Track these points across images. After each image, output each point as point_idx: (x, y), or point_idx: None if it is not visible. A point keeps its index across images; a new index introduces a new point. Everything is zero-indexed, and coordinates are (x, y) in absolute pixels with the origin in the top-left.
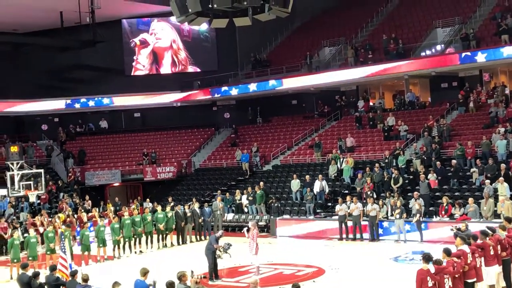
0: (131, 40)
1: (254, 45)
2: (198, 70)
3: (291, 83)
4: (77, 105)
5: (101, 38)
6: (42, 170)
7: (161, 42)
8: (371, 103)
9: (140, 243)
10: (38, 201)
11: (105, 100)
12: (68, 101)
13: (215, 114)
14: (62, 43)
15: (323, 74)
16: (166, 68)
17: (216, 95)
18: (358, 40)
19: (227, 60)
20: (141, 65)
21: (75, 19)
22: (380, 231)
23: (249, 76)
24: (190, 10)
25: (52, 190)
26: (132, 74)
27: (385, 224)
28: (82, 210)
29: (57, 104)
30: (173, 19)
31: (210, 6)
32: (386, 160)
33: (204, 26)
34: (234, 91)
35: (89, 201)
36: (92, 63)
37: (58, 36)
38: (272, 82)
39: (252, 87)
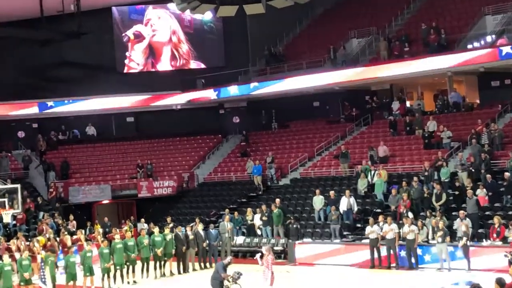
0: (123, 34)
1: (268, 37)
2: (202, 66)
3: (312, 81)
4: (60, 108)
5: (88, 30)
6: (18, 185)
7: (159, 34)
8: (408, 105)
9: (134, 271)
10: (14, 222)
11: (93, 102)
12: (49, 104)
13: (223, 118)
14: (41, 35)
15: (350, 71)
16: (164, 64)
17: (223, 96)
18: (392, 30)
19: (236, 54)
20: (135, 62)
21: (57, 7)
22: (419, 257)
23: (263, 73)
24: None
25: (30, 208)
26: (124, 71)
27: (425, 249)
28: (66, 233)
29: (36, 108)
30: (172, 6)
31: None
32: (426, 173)
33: (208, 15)
34: (244, 91)
35: (74, 222)
36: (77, 58)
37: (37, 27)
38: (289, 80)
39: (266, 85)
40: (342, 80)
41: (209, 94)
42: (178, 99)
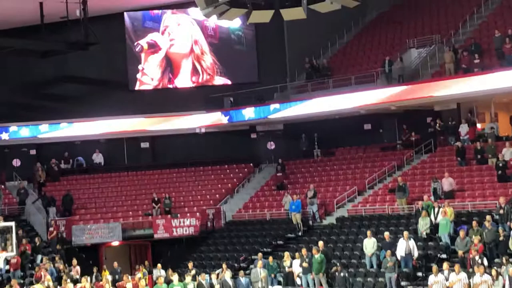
0: (136, 43)
1: (310, 47)
2: (229, 82)
3: (362, 99)
4: (62, 132)
5: (96, 39)
6: (12, 223)
7: (178, 44)
8: (478, 128)
9: None
10: (7, 267)
11: (101, 125)
12: (49, 126)
13: (255, 144)
14: (41, 45)
15: (408, 87)
16: (184, 80)
17: (255, 117)
18: (459, 39)
19: (271, 68)
20: (149, 77)
21: (60, 12)
22: None
23: (303, 90)
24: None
25: (26, 251)
26: (136, 88)
27: None
28: (68, 280)
29: (34, 131)
30: (193, 11)
31: None
32: (502, 211)
33: (237, 22)
34: (281, 112)
35: (78, 267)
36: (82, 73)
37: (37, 36)
38: (335, 98)
39: (307, 105)
40: (399, 98)
41: (217, 117)
42: (201, 121)
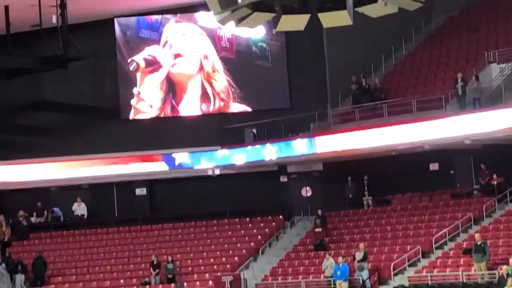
0: (129, 60)
1: (357, 62)
2: (249, 109)
3: (426, 130)
4: (32, 174)
5: (78, 54)
6: None
7: (184, 61)
8: None
9: None
10: None
11: (84, 165)
12: (16, 168)
13: (285, 190)
14: (7, 62)
15: (488, 114)
16: (190, 106)
17: (286, 156)
18: None
19: (306, 90)
20: (146, 103)
21: (32, 19)
22: None
23: (348, 119)
24: (239, 1)
25: None
26: (130, 117)
27: None
28: None
29: None
30: (201, 16)
31: None
32: None
33: (259, 31)
34: (319, 147)
35: None
36: (61, 98)
37: (1, 50)
38: (390, 129)
39: (353, 138)
40: (476, 129)
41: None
42: (214, 160)
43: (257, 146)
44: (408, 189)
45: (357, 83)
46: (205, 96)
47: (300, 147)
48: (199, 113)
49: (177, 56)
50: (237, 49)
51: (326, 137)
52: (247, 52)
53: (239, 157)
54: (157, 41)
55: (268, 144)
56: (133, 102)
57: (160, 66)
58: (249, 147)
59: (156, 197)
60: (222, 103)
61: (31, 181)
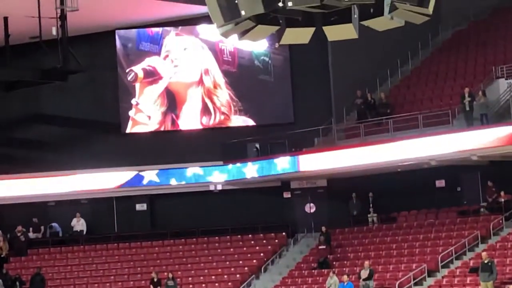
0: (127, 70)
1: (363, 76)
2: (252, 123)
3: (432, 146)
4: (30, 189)
5: (78, 67)
6: None
7: (184, 74)
8: None
9: None
10: None
11: (82, 180)
12: (13, 183)
13: (289, 206)
14: (6, 75)
15: (496, 131)
16: (191, 120)
17: (289, 173)
18: None
19: (310, 105)
20: (145, 115)
21: (31, 31)
22: None
23: (353, 134)
24: (243, 13)
25: None
26: (128, 131)
27: None
28: None
29: None
30: (203, 30)
31: (280, 4)
32: None
33: (262, 45)
34: (323, 163)
35: None
36: (60, 111)
37: (0, 62)
38: (396, 145)
39: (358, 153)
40: (483, 145)
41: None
42: (216, 175)
43: (238, 164)
44: (414, 206)
45: (362, 98)
46: (205, 110)
47: (305, 164)
48: (199, 126)
49: (177, 67)
50: (239, 63)
51: (330, 152)
52: (250, 66)
53: (217, 176)
54: (157, 52)
55: (249, 163)
56: (131, 113)
57: (160, 78)
58: (230, 165)
59: (157, 212)
60: (223, 117)
61: (28, 195)
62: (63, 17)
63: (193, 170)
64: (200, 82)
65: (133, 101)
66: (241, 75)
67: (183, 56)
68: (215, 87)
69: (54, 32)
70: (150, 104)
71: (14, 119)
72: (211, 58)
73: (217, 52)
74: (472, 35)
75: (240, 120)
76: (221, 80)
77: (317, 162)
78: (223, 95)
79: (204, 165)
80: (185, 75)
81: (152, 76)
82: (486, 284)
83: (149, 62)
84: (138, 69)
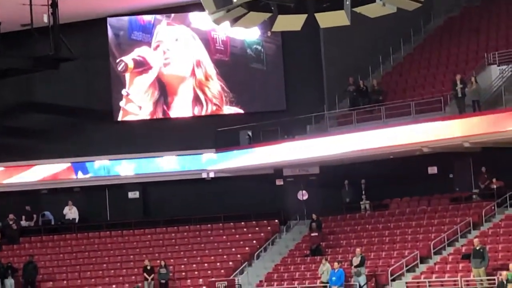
0: (118, 60)
1: (355, 63)
2: (241, 111)
3: (425, 133)
4: (22, 177)
5: (70, 54)
6: None
7: (175, 65)
8: None
9: None
10: None
11: (75, 168)
12: (5, 170)
13: (281, 194)
14: None
15: (488, 118)
16: (182, 109)
17: (281, 159)
18: None
19: (302, 92)
20: (135, 104)
21: (22, 19)
22: None
23: (345, 121)
24: (234, 0)
25: None
26: (120, 119)
27: None
28: None
29: None
30: (194, 18)
31: None
32: None
33: (254, 33)
34: (315, 151)
35: None
36: (52, 99)
37: None
38: (388, 131)
39: (351, 140)
40: (476, 132)
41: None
42: (208, 164)
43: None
44: (406, 193)
45: (354, 85)
46: (197, 101)
47: (297, 151)
48: (190, 115)
49: (168, 60)
50: (231, 52)
51: (322, 139)
52: (242, 54)
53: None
54: (148, 42)
55: (263, 147)
56: (121, 103)
57: (150, 68)
58: (248, 150)
59: (149, 200)
60: (214, 107)
61: (20, 183)
62: (54, 4)
63: (185, 158)
64: (192, 74)
65: (124, 92)
66: (233, 64)
67: (175, 47)
68: (206, 78)
69: (45, 19)
70: (140, 94)
71: (6, 107)
72: (202, 49)
73: (209, 41)
74: (464, 21)
75: (231, 111)
76: (212, 71)
77: (309, 149)
78: (215, 86)
79: (196, 153)
80: (177, 68)
81: (142, 66)
82: (478, 270)
83: (139, 52)
84: (128, 59)
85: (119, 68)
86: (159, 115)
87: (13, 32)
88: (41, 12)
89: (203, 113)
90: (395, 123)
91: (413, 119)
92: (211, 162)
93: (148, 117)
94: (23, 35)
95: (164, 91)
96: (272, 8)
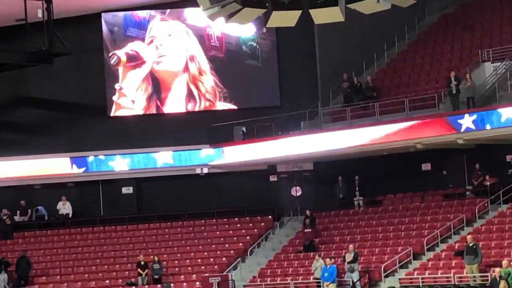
0: (110, 54)
1: (349, 60)
2: (235, 107)
3: (419, 129)
4: (15, 171)
5: (64, 49)
6: None
7: (169, 60)
8: None
9: None
10: None
11: (68, 163)
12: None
13: (275, 190)
14: None
15: (481, 113)
16: (175, 104)
17: (275, 155)
18: None
19: (296, 89)
20: (128, 99)
21: (16, 13)
22: None
23: (339, 118)
24: None
25: None
26: (112, 114)
27: None
28: None
29: None
30: (189, 14)
31: None
32: None
33: (250, 30)
34: (310, 147)
35: None
36: (46, 94)
37: None
38: (382, 128)
39: (344, 137)
40: (468, 129)
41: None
42: (203, 159)
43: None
44: (399, 189)
45: (348, 81)
46: (190, 96)
47: (290, 147)
48: (184, 110)
49: (161, 56)
50: (227, 48)
51: (316, 135)
52: (237, 51)
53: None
54: (142, 38)
55: (257, 143)
56: (114, 97)
57: (143, 62)
58: (242, 145)
59: (143, 195)
60: (207, 103)
61: (14, 177)
62: None
63: (179, 153)
64: (185, 69)
65: (117, 86)
66: (228, 60)
67: (168, 42)
68: (200, 73)
69: (39, 14)
70: (133, 88)
71: (0, 102)
72: (196, 44)
73: (204, 37)
74: (458, 18)
75: (224, 107)
76: (206, 66)
77: (303, 145)
78: (208, 82)
79: (190, 149)
80: (170, 63)
81: (135, 60)
82: (471, 267)
83: (132, 46)
84: (121, 53)
85: (111, 62)
86: (153, 110)
87: (7, 27)
88: (36, 7)
89: (197, 108)
90: (389, 120)
91: (407, 116)
92: (205, 158)
93: (141, 113)
94: (17, 30)
95: (157, 86)
96: (267, 4)
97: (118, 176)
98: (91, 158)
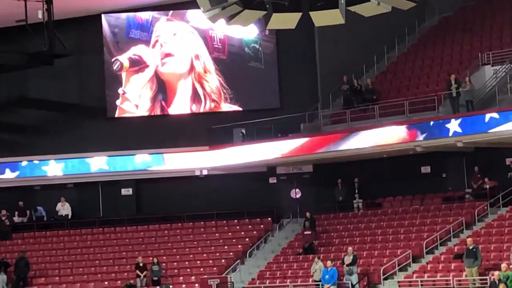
0: (113, 60)
1: (349, 62)
2: (239, 109)
3: (418, 132)
4: (14, 173)
5: (64, 50)
6: None
7: (174, 61)
8: None
9: None
10: None
11: (68, 164)
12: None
13: (274, 192)
14: None
15: (480, 116)
16: (180, 106)
17: (274, 157)
18: None
19: (297, 91)
20: (131, 103)
21: (17, 14)
22: None
23: (339, 120)
24: None
25: None
26: (116, 115)
27: None
28: None
29: None
30: (192, 15)
31: None
32: None
33: (252, 32)
34: (309, 149)
35: None
36: (46, 95)
37: None
38: (382, 131)
39: (344, 139)
40: (469, 132)
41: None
42: (202, 161)
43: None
44: (399, 192)
45: (348, 84)
46: (196, 97)
47: (291, 149)
48: (188, 111)
49: (167, 55)
50: (229, 50)
51: (316, 138)
52: (240, 53)
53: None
54: (147, 41)
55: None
56: (118, 102)
57: (146, 66)
58: (242, 146)
59: (142, 197)
60: (213, 104)
61: (13, 179)
62: (49, 1)
63: (178, 155)
64: (191, 69)
65: (120, 90)
66: (231, 62)
67: (173, 41)
68: (205, 71)
69: (40, 15)
70: (137, 92)
71: (0, 102)
72: (201, 44)
73: (207, 39)
74: (458, 21)
75: (230, 109)
76: (211, 66)
77: (303, 147)
78: (214, 81)
79: (189, 150)
80: (175, 61)
81: (138, 65)
82: (470, 270)
83: (135, 51)
84: (123, 58)
85: (114, 68)
86: (157, 111)
87: (8, 28)
88: (36, 8)
89: (201, 110)
90: (389, 122)
91: (407, 119)
92: (204, 160)
93: (143, 114)
94: (17, 31)
95: (163, 88)
96: (267, 6)
97: (117, 178)
98: (89, 160)
